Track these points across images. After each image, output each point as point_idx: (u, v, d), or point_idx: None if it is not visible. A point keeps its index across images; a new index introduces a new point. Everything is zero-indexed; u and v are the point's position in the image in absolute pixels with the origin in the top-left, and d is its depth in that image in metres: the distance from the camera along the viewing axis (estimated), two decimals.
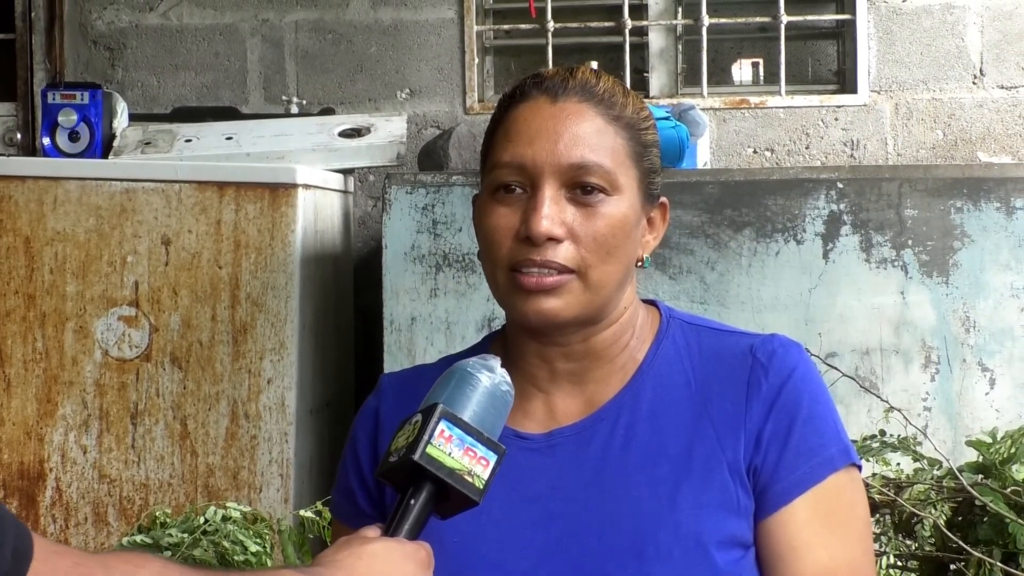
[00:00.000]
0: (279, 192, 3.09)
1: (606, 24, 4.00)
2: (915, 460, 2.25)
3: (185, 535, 2.32)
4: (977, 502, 2.07)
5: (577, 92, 1.34)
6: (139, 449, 3.11)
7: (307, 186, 3.16)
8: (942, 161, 3.78)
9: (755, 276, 2.98)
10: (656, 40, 4.01)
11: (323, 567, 1.14)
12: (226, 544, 2.32)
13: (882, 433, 2.26)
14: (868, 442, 2.24)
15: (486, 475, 1.21)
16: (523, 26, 4.02)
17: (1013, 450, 2.14)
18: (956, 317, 2.95)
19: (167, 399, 3.10)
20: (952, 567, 2.09)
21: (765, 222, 2.98)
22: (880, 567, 2.18)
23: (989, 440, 2.18)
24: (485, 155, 1.39)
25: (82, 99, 3.64)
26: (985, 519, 2.06)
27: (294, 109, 3.89)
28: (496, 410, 1.25)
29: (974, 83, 3.81)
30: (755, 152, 3.87)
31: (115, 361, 3.12)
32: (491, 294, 1.40)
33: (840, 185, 2.98)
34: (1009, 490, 2.07)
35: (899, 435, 2.26)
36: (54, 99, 3.65)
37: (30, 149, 3.99)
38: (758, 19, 3.95)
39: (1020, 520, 2.00)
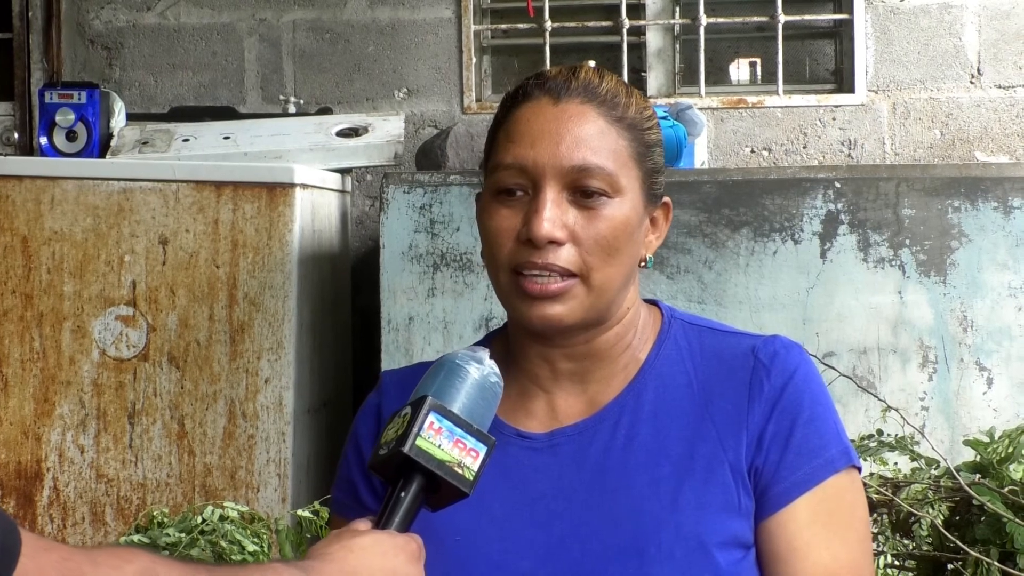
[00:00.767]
0: (277, 192, 3.09)
1: (604, 24, 4.00)
2: (912, 460, 2.25)
3: (182, 535, 2.32)
4: (975, 501, 2.07)
5: (579, 93, 1.34)
6: (136, 449, 3.11)
7: (305, 186, 3.16)
8: (939, 161, 3.78)
9: (753, 276, 2.98)
10: (654, 40, 4.01)
11: (314, 560, 1.15)
12: (224, 544, 2.32)
13: (879, 433, 2.26)
14: (865, 442, 2.24)
15: (476, 467, 1.21)
16: (521, 26, 4.02)
17: (1011, 449, 2.14)
18: (954, 316, 2.95)
19: (165, 399, 3.10)
20: (949, 567, 2.09)
21: (763, 222, 2.98)
22: (877, 567, 2.18)
23: (987, 439, 2.18)
24: (487, 155, 1.39)
25: (79, 99, 3.64)
26: (983, 519, 2.06)
27: (292, 109, 3.88)
28: (485, 402, 1.25)
29: (972, 82, 3.81)
30: (753, 151, 3.87)
31: (112, 361, 3.12)
32: (489, 293, 1.41)
33: (838, 184, 2.98)
34: (1007, 489, 2.07)
35: (896, 435, 2.26)
36: (51, 98, 3.65)
37: (27, 148, 3.98)
38: (756, 19, 3.96)
39: (1018, 520, 2.00)
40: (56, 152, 3.62)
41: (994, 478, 2.11)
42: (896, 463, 2.35)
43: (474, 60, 3.98)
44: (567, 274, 1.30)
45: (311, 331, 3.22)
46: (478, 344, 1.45)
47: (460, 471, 1.20)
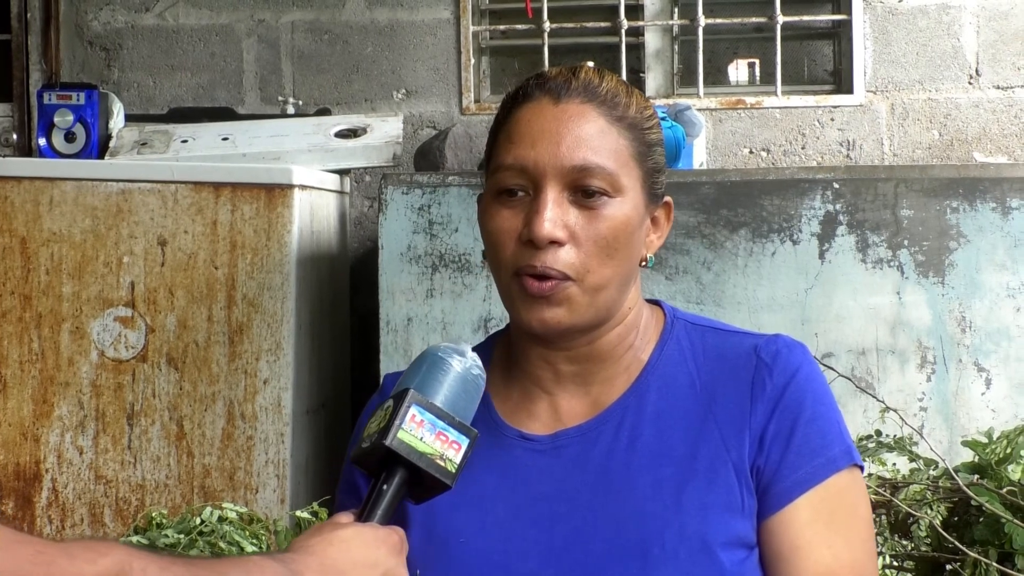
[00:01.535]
0: (275, 193, 3.09)
1: (602, 24, 4.00)
2: (911, 460, 2.25)
3: (181, 536, 2.32)
4: (973, 502, 2.08)
5: (580, 93, 1.34)
6: (135, 450, 3.11)
7: (303, 187, 3.16)
8: (938, 161, 3.78)
9: (751, 276, 2.98)
10: (652, 40, 4.01)
11: (295, 552, 1.14)
12: (222, 545, 2.32)
13: (878, 433, 2.26)
14: (864, 442, 2.25)
15: (458, 459, 1.21)
16: (519, 26, 4.02)
17: (1009, 450, 2.14)
18: (952, 317, 2.96)
19: (163, 400, 3.10)
20: (948, 567, 2.09)
21: (761, 222, 2.98)
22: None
23: (985, 440, 2.18)
24: (488, 156, 1.39)
25: (78, 100, 3.64)
26: (981, 519, 2.07)
27: (290, 110, 3.89)
28: (468, 394, 1.26)
29: (970, 83, 3.81)
30: (751, 152, 3.87)
31: (111, 362, 3.12)
32: (488, 294, 1.41)
33: (836, 185, 2.98)
34: (1005, 490, 2.07)
35: (895, 435, 2.27)
36: (50, 100, 3.65)
37: (26, 150, 3.98)
38: (754, 19, 3.96)
39: (1016, 520, 2.01)
40: (55, 153, 3.62)
41: (992, 479, 2.11)
42: (895, 464, 2.35)
43: (472, 61, 3.98)
44: (566, 277, 1.30)
45: (310, 332, 3.22)
46: (480, 347, 1.45)
47: (442, 463, 1.20)
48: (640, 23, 3.98)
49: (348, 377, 3.67)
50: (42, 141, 3.65)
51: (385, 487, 1.20)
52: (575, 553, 1.30)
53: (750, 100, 3.89)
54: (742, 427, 1.33)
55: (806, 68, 4.07)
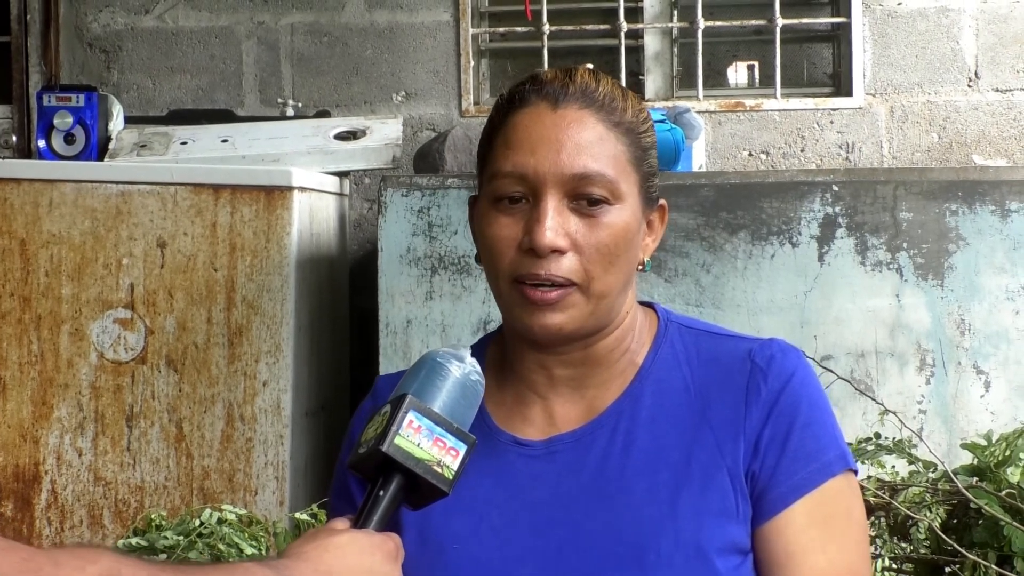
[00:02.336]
0: (275, 195, 3.09)
1: (602, 27, 4.01)
2: (910, 463, 2.25)
3: (180, 538, 2.32)
4: (972, 505, 2.08)
5: (577, 98, 1.32)
6: (134, 452, 3.11)
7: (303, 189, 3.16)
8: (937, 164, 3.78)
9: (750, 279, 2.98)
10: (652, 43, 4.01)
11: (289, 559, 1.13)
12: (221, 547, 2.32)
13: (877, 436, 2.27)
14: (863, 445, 2.25)
15: (456, 465, 1.20)
16: (519, 29, 4.02)
17: (1008, 453, 2.15)
18: (951, 320, 2.96)
19: (162, 402, 3.10)
20: (947, 570, 2.09)
21: (760, 225, 2.98)
22: (875, 570, 2.18)
23: (984, 443, 2.18)
24: (483, 160, 1.37)
25: (78, 101, 3.64)
26: (980, 522, 2.07)
27: (290, 112, 3.89)
28: (466, 400, 1.25)
29: (969, 86, 3.82)
30: (750, 155, 3.88)
31: (110, 364, 3.12)
32: (487, 296, 1.40)
33: (835, 188, 2.98)
34: (1004, 493, 2.07)
35: (894, 438, 2.27)
36: (49, 101, 3.65)
37: (25, 152, 3.98)
38: (753, 22, 3.96)
39: (1015, 523, 2.01)
40: (54, 155, 3.62)
41: (992, 481, 2.11)
42: (894, 466, 2.35)
43: (472, 63, 3.98)
44: (568, 284, 1.30)
45: (309, 334, 3.22)
46: (472, 349, 1.45)
47: (439, 470, 1.19)
48: (639, 25, 3.98)
49: (347, 379, 3.67)
50: (41, 143, 3.65)
51: (381, 493, 1.20)
52: (570, 559, 1.29)
53: (749, 103, 3.89)
54: (737, 432, 1.32)
55: (805, 71, 4.07)
